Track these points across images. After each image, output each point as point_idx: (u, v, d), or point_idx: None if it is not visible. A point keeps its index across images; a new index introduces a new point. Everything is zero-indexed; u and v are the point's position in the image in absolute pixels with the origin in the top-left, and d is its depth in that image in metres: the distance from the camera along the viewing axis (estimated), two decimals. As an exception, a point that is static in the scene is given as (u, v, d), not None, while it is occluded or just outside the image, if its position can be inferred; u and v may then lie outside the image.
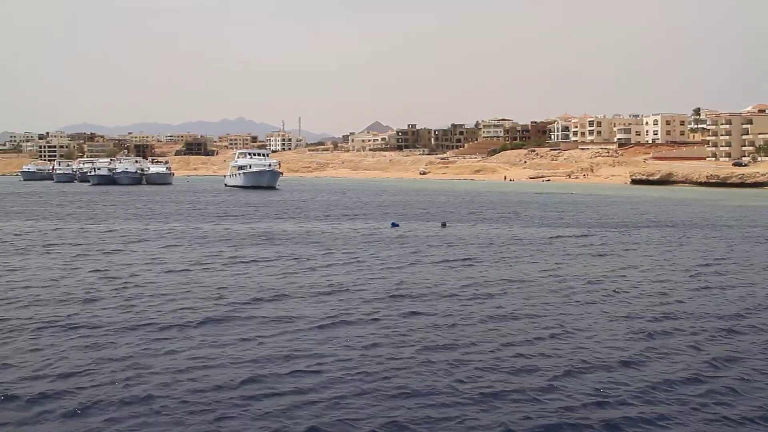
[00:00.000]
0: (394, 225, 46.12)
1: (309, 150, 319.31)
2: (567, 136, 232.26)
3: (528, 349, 15.67)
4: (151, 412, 11.81)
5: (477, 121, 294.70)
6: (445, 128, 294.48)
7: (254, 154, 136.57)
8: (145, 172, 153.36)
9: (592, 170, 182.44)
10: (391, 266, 27.65)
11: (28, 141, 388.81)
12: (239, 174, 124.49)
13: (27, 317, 18.23)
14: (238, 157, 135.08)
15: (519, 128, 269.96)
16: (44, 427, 11.29)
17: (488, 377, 13.66)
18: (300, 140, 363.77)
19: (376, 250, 33.03)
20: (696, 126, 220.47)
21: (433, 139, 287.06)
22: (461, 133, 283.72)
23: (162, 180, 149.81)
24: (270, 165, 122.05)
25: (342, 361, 14.61)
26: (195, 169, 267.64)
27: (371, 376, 13.59)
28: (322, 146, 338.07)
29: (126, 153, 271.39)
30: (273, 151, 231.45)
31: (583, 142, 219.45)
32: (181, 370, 13.92)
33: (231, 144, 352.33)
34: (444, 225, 46.82)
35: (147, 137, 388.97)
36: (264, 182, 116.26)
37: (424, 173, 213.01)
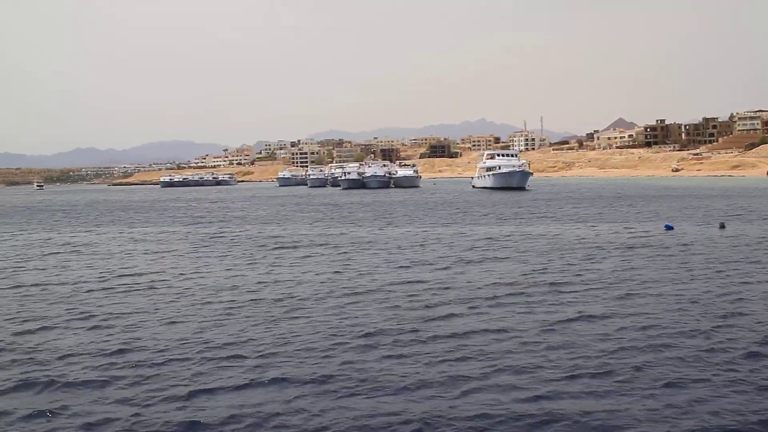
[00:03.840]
0: (668, 227, 43.19)
1: (553, 149, 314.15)
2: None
3: None
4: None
5: (731, 114, 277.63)
6: (696, 122, 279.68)
7: (502, 155, 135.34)
8: (393, 176, 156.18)
9: None
10: (676, 273, 25.53)
11: (281, 149, 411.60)
12: (488, 175, 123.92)
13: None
14: (486, 159, 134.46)
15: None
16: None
17: None
18: (543, 140, 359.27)
19: (653, 254, 30.72)
20: None
21: (683, 135, 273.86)
22: (714, 126, 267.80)
23: (410, 183, 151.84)
24: (520, 165, 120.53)
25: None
26: (440, 171, 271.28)
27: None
28: (567, 145, 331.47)
29: (372, 157, 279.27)
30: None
31: None
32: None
33: (474, 146, 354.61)
34: (722, 226, 43.23)
35: (392, 141, 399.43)
36: (514, 183, 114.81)
37: (677, 170, 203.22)
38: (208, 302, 21.36)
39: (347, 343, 16.21)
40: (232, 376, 13.86)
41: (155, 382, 13.69)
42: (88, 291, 24.03)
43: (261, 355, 15.26)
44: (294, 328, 17.75)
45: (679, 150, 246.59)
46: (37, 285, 25.63)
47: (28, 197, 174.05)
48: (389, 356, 14.99)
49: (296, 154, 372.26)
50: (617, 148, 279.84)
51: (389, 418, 11.55)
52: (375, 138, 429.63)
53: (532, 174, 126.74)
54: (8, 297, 23.12)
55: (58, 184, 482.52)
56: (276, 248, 36.56)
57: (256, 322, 18.50)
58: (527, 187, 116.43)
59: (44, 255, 36.34)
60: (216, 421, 11.65)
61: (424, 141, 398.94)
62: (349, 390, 12.91)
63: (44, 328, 18.49)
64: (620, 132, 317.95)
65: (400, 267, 27.96)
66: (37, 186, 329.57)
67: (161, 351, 15.84)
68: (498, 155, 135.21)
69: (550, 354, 14.91)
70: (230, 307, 20.41)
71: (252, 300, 21.49)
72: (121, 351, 15.99)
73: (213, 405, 12.35)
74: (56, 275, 28.18)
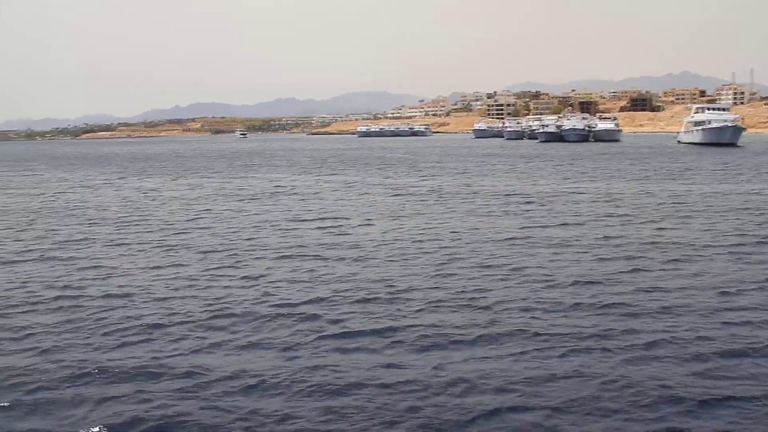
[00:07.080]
0: None
1: (764, 104, 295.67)
2: None
3: None
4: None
5: None
6: None
7: (712, 109, 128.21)
8: (593, 129, 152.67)
9: None
10: None
11: (477, 100, 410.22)
12: (696, 130, 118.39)
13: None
14: (695, 113, 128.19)
15: None
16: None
17: None
18: (754, 93, 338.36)
19: None
20: None
21: None
22: None
23: (610, 137, 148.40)
24: (732, 120, 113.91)
25: None
26: (641, 125, 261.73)
27: None
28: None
29: (570, 110, 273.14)
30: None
31: None
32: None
33: (677, 99, 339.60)
34: None
35: (590, 94, 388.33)
36: (725, 139, 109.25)
37: None
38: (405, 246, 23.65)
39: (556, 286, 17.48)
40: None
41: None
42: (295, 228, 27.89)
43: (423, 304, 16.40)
44: (473, 274, 19.23)
45: None
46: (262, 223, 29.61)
47: (236, 144, 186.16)
48: (562, 310, 15.68)
49: (492, 105, 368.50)
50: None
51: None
52: (572, 90, 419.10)
53: (745, 129, 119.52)
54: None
55: (259, 132, 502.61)
56: (466, 199, 37.01)
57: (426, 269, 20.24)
58: (739, 144, 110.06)
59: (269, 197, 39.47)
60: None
61: (624, 94, 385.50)
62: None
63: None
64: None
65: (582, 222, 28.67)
66: (240, 134, 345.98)
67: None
68: (707, 109, 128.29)
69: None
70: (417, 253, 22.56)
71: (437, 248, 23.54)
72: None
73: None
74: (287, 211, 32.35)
